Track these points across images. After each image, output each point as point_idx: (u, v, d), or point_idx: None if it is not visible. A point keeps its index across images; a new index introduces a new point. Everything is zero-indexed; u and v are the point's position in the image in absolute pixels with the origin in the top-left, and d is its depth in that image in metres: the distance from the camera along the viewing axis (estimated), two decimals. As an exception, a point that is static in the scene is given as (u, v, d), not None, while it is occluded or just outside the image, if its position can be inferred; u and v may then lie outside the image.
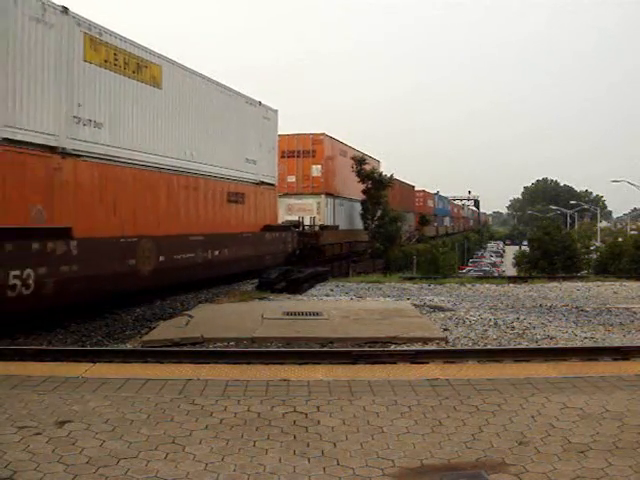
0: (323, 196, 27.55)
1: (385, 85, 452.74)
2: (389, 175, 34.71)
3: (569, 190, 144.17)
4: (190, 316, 11.21)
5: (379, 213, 33.27)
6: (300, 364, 7.15)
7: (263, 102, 18.86)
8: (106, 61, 11.64)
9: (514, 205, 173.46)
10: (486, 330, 10.36)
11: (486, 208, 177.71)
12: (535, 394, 5.74)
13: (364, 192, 32.02)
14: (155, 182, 13.19)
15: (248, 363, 7.24)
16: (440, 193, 77.52)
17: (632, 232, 54.68)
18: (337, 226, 29.00)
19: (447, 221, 78.71)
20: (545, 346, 9.12)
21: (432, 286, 18.58)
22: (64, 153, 10.58)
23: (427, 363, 7.36)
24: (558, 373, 6.56)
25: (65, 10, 10.65)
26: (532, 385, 6.03)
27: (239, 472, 4.05)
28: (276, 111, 19.88)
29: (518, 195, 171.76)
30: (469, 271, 49.99)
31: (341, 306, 12.88)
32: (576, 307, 13.55)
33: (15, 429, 4.73)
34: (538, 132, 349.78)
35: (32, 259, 9.55)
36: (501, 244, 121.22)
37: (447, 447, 4.50)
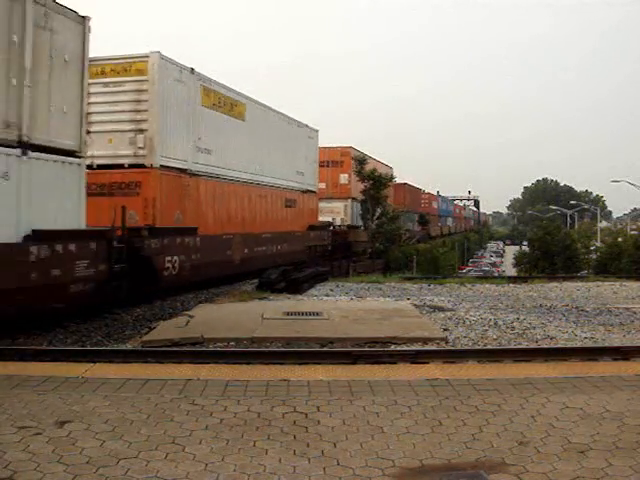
0: (349, 200, 31.92)
1: (385, 86, 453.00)
2: (398, 180, 36.38)
3: (569, 190, 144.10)
4: (190, 316, 11.21)
5: (378, 213, 33.28)
6: (300, 364, 7.15)
7: (309, 125, 23.67)
8: (213, 104, 16.07)
9: (514, 205, 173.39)
10: (486, 330, 10.36)
11: (486, 208, 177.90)
12: (535, 394, 5.74)
13: (364, 192, 32.03)
14: (241, 192, 17.58)
15: (248, 363, 7.24)
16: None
17: (632, 232, 54.66)
18: (360, 225, 33.39)
19: (450, 221, 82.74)
20: (545, 346, 9.11)
21: (432, 286, 18.59)
22: (191, 174, 14.90)
23: (427, 363, 7.36)
24: (558, 373, 6.56)
25: (192, 70, 14.96)
26: (532, 385, 6.03)
27: (239, 472, 4.05)
28: (317, 131, 24.49)
29: (518, 195, 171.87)
30: (469, 271, 49.98)
31: (341, 306, 12.88)
32: (576, 307, 13.55)
33: (15, 429, 4.73)
34: (538, 132, 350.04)
35: (177, 249, 13.76)
36: (501, 244, 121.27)
37: (447, 447, 4.50)
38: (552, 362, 7.34)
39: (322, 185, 29.72)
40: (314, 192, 24.45)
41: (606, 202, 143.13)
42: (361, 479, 4.00)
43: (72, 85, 10.13)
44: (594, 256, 45.75)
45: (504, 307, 13.54)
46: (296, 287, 16.38)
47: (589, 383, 6.10)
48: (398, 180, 38.51)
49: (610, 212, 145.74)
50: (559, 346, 9.03)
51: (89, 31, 10.46)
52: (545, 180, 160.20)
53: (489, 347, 8.96)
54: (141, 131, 13.32)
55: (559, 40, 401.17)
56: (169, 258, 13.38)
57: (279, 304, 13.07)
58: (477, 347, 9.04)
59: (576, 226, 73.29)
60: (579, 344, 9.30)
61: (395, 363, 7.38)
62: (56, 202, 9.76)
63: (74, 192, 10.26)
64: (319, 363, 7.27)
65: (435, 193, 70.68)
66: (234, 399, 5.55)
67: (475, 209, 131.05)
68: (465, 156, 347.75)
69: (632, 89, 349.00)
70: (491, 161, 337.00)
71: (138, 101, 13.39)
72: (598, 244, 51.30)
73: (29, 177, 9.11)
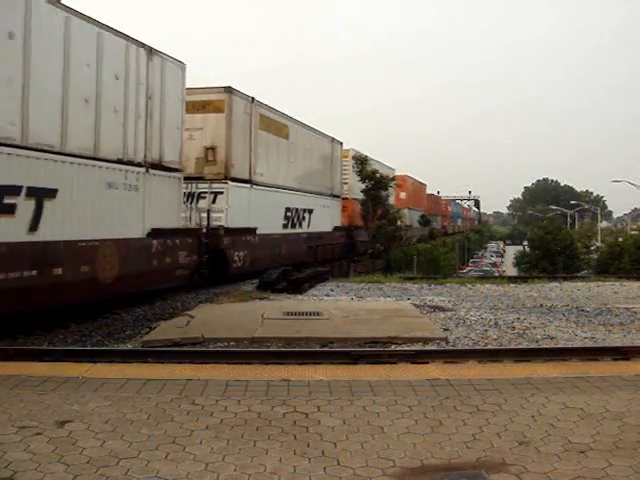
0: (406, 209, 44.92)
1: (385, 87, 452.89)
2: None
3: (569, 190, 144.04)
4: (190, 316, 11.22)
5: (379, 213, 33.27)
6: (300, 364, 7.15)
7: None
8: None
9: (514, 205, 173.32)
10: (486, 330, 10.36)
11: (486, 208, 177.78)
12: (535, 394, 5.73)
13: (364, 192, 32.04)
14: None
15: (248, 363, 7.24)
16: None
17: (632, 232, 54.60)
18: (410, 225, 42.97)
19: (459, 221, 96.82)
20: (545, 346, 9.12)
21: (432, 286, 18.59)
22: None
23: (427, 363, 7.36)
24: (558, 373, 6.56)
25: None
26: (532, 385, 6.03)
27: (239, 472, 4.05)
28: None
29: (518, 195, 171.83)
30: (469, 271, 49.96)
31: (341, 306, 12.88)
32: (576, 307, 13.55)
33: (15, 429, 4.72)
34: (539, 132, 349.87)
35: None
36: (501, 244, 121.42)
37: (447, 447, 4.50)
38: (552, 362, 7.34)
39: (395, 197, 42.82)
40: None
41: (606, 202, 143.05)
42: (361, 479, 4.00)
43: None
44: (594, 256, 45.73)
45: (504, 307, 13.54)
46: (296, 287, 16.38)
47: (589, 383, 6.10)
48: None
49: (610, 212, 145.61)
50: (559, 346, 9.03)
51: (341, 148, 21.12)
52: (545, 180, 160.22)
53: (489, 347, 8.96)
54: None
55: (559, 39, 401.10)
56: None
57: (279, 304, 13.07)
58: (477, 347, 9.04)
59: (576, 226, 73.26)
60: (579, 344, 9.30)
61: (395, 363, 7.38)
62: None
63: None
64: (319, 363, 7.27)
65: (435, 193, 76.39)
66: (234, 399, 5.55)
67: (476, 209, 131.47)
68: (465, 156, 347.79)
69: (632, 89, 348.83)
70: (491, 161, 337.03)
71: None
72: (598, 244, 51.28)
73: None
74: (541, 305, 13.99)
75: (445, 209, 77.92)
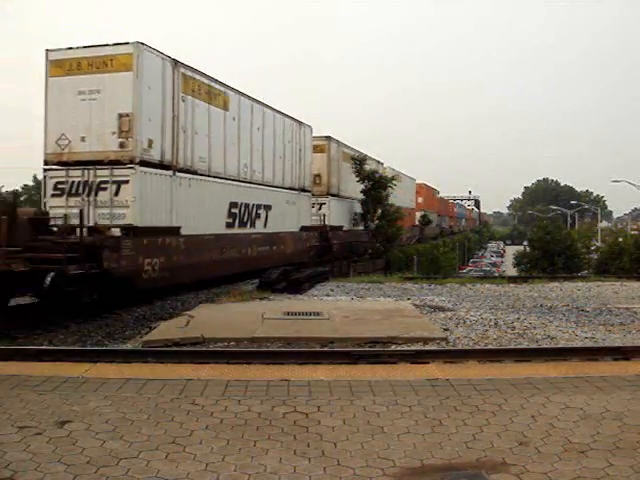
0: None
1: (385, 86, 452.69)
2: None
3: (570, 190, 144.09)
4: (191, 316, 11.22)
5: (379, 213, 33.26)
6: (300, 364, 7.15)
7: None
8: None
9: (514, 205, 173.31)
10: (486, 330, 10.36)
11: (486, 208, 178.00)
12: (535, 394, 5.73)
13: (364, 192, 32.03)
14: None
15: (248, 363, 7.24)
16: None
17: (633, 232, 54.58)
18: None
19: (463, 222, 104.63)
20: (545, 346, 9.11)
21: (432, 286, 18.58)
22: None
23: (427, 363, 7.35)
24: (558, 373, 6.56)
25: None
26: (532, 385, 6.03)
27: (239, 472, 4.05)
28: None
29: (518, 195, 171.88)
30: (469, 271, 50.01)
31: (341, 306, 12.87)
32: (576, 307, 13.55)
33: (16, 429, 4.73)
34: (539, 132, 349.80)
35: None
36: (501, 244, 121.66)
37: (448, 447, 4.50)
38: (552, 362, 7.33)
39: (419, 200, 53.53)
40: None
41: (606, 202, 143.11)
42: (362, 479, 4.00)
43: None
44: (595, 256, 45.72)
45: (504, 307, 13.54)
46: (296, 287, 16.37)
47: (589, 383, 6.10)
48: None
49: (610, 212, 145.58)
50: (559, 346, 9.03)
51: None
52: (545, 180, 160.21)
53: (489, 347, 8.96)
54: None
55: (560, 39, 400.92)
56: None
57: (279, 304, 13.07)
58: (477, 347, 9.04)
59: (576, 226, 73.26)
60: (579, 344, 9.30)
61: (395, 363, 7.38)
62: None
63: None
64: (319, 363, 7.27)
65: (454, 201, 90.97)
66: (234, 399, 5.55)
67: (476, 209, 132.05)
68: (465, 156, 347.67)
69: (633, 90, 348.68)
70: (491, 161, 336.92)
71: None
72: (599, 244, 51.25)
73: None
74: (541, 305, 13.99)
75: (452, 210, 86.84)
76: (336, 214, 27.64)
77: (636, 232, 52.13)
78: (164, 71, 13.79)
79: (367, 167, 31.53)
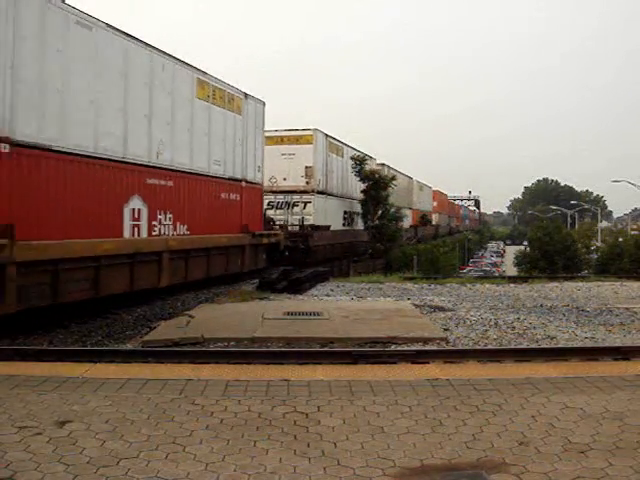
0: (436, 214, 60.89)
1: (385, 81, 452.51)
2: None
3: (570, 190, 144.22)
4: (191, 316, 11.22)
5: (380, 213, 33.28)
6: (300, 364, 7.16)
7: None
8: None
9: (514, 205, 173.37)
10: (486, 330, 10.36)
11: (486, 208, 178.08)
12: (535, 394, 5.73)
13: (364, 192, 32.06)
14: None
15: (248, 363, 7.24)
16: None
17: (633, 232, 54.59)
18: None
19: (467, 222, 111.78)
20: (545, 346, 9.11)
21: (432, 286, 18.58)
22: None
23: (427, 363, 7.35)
24: (559, 373, 6.56)
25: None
26: (532, 385, 6.03)
27: (239, 472, 4.05)
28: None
29: (519, 195, 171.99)
30: (469, 271, 50.02)
31: (342, 306, 12.87)
32: (576, 307, 13.54)
33: (15, 429, 4.72)
34: (539, 132, 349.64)
35: None
36: (501, 244, 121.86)
37: (448, 447, 4.50)
38: (552, 362, 7.34)
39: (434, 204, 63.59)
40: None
41: (606, 202, 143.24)
42: (362, 479, 4.00)
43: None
44: (595, 256, 45.74)
45: (504, 307, 13.53)
46: (297, 287, 16.37)
47: (589, 383, 6.10)
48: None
49: (611, 212, 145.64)
50: (559, 346, 9.03)
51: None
52: (545, 180, 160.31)
53: (489, 347, 8.96)
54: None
55: (561, 37, 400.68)
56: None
57: (280, 304, 13.07)
58: (477, 347, 9.04)
59: (576, 226, 73.24)
60: (579, 344, 9.30)
61: (395, 363, 7.38)
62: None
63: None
64: (319, 363, 7.27)
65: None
66: (234, 399, 5.55)
67: (476, 209, 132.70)
68: (465, 156, 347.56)
69: (633, 90, 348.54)
70: (491, 161, 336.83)
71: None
72: (599, 244, 51.26)
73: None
74: (541, 305, 13.98)
75: (458, 212, 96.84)
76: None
77: (636, 232, 52.12)
78: (324, 142, 26.62)
79: (367, 167, 31.59)
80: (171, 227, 13.53)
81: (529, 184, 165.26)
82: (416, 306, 13.01)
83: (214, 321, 10.80)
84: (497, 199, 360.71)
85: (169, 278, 13.32)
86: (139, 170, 12.37)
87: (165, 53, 13.40)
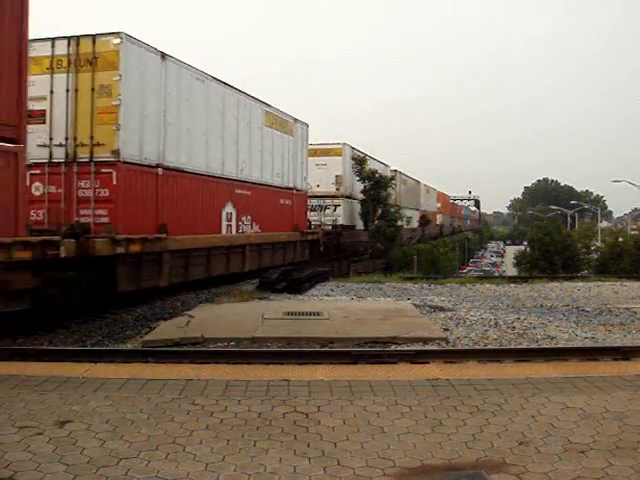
0: (440, 215, 62.27)
1: (386, 89, 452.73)
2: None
3: (569, 190, 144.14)
4: (191, 316, 11.22)
5: (380, 213, 33.29)
6: (300, 364, 7.15)
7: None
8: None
9: (514, 205, 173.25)
10: (486, 330, 10.36)
11: (486, 208, 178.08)
12: (536, 394, 5.73)
13: (364, 192, 32.07)
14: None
15: (249, 363, 7.24)
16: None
17: (633, 232, 54.58)
18: (443, 224, 63.41)
19: (468, 222, 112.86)
20: (546, 346, 9.12)
21: (432, 286, 18.58)
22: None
23: (427, 363, 7.36)
24: (559, 373, 6.56)
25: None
26: (532, 385, 6.03)
27: (239, 472, 4.05)
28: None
29: (518, 195, 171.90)
30: (469, 271, 49.97)
31: (342, 306, 12.88)
32: (576, 307, 13.55)
33: (16, 429, 4.72)
34: (539, 132, 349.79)
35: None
36: (501, 244, 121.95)
37: (448, 447, 4.49)
38: (552, 362, 7.34)
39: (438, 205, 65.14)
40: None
41: (606, 202, 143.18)
42: (362, 479, 4.00)
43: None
44: (595, 256, 45.72)
45: (504, 307, 13.53)
46: (297, 287, 16.37)
47: (589, 383, 6.10)
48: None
49: (610, 212, 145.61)
50: (559, 346, 9.03)
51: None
52: (545, 180, 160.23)
53: (490, 347, 8.96)
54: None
55: (560, 40, 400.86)
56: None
57: (280, 304, 13.07)
58: (477, 347, 9.04)
59: (576, 226, 73.23)
60: (579, 344, 9.30)
61: (396, 363, 7.38)
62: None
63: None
64: (319, 363, 7.27)
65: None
66: (235, 399, 5.55)
67: (476, 209, 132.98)
68: (465, 156, 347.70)
69: (633, 88, 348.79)
70: (491, 161, 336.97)
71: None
72: (599, 244, 51.23)
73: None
74: (541, 305, 13.99)
75: (460, 212, 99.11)
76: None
77: (636, 232, 52.10)
78: (350, 152, 30.91)
79: (367, 167, 31.64)
80: (249, 226, 17.73)
81: (529, 184, 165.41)
82: (416, 306, 13.01)
83: (214, 321, 10.80)
84: (497, 199, 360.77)
85: (249, 265, 17.68)
86: (231, 183, 16.55)
87: (245, 93, 17.46)
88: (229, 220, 16.41)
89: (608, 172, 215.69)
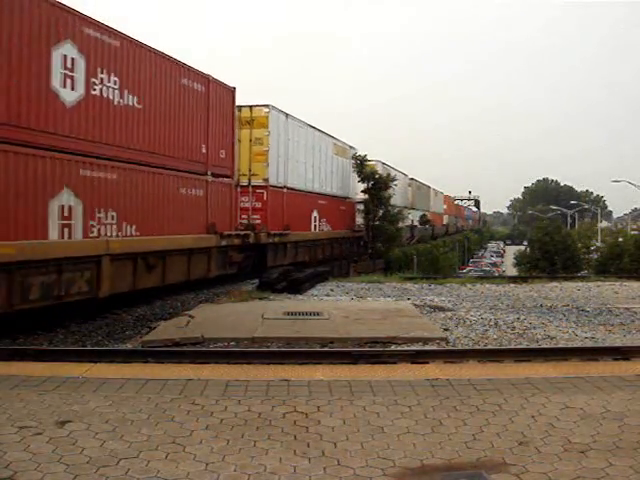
0: (446, 216, 67.01)
1: (385, 87, 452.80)
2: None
3: (570, 190, 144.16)
4: (191, 316, 11.21)
5: (380, 213, 33.28)
6: (300, 364, 7.16)
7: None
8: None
9: (514, 205, 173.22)
10: (486, 330, 10.36)
11: (486, 208, 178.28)
12: (535, 394, 5.73)
13: (365, 192, 32.08)
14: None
15: (248, 363, 7.24)
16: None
17: (633, 232, 54.60)
18: (448, 224, 69.50)
19: (470, 222, 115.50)
20: (545, 346, 9.11)
21: (432, 286, 18.58)
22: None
23: (427, 363, 7.36)
24: (558, 373, 6.56)
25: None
26: (532, 385, 6.03)
27: (239, 472, 4.05)
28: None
29: (518, 195, 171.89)
30: (469, 271, 50.02)
31: (341, 306, 12.88)
32: (576, 307, 13.54)
33: (15, 429, 4.73)
34: (539, 132, 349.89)
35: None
36: (501, 244, 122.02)
37: (447, 447, 4.50)
38: (552, 362, 7.34)
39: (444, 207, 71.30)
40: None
41: (607, 202, 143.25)
42: (362, 479, 4.00)
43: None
44: (595, 256, 45.75)
45: (504, 307, 13.53)
46: (297, 287, 16.36)
47: (589, 383, 6.10)
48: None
49: (610, 212, 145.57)
50: (559, 346, 9.03)
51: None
52: (545, 180, 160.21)
53: (489, 347, 8.96)
54: None
55: (560, 40, 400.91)
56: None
57: (279, 304, 13.07)
58: (477, 347, 9.04)
59: (576, 226, 73.26)
60: (579, 344, 9.30)
61: (395, 363, 7.38)
62: None
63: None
64: (319, 363, 7.27)
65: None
66: (235, 399, 5.55)
67: (476, 209, 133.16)
68: (466, 156, 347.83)
69: (633, 90, 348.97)
70: (491, 161, 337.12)
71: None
72: (599, 244, 51.25)
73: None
74: (541, 305, 13.98)
75: (462, 213, 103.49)
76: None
77: (636, 232, 52.11)
78: (383, 169, 34.13)
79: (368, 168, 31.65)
80: (326, 226, 25.16)
81: (529, 184, 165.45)
82: (416, 306, 13.01)
83: (214, 321, 10.80)
84: (497, 199, 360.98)
85: (323, 256, 24.84)
86: (316, 196, 23.95)
87: (322, 131, 24.67)
88: (315, 221, 23.85)
89: (608, 172, 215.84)
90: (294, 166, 21.21)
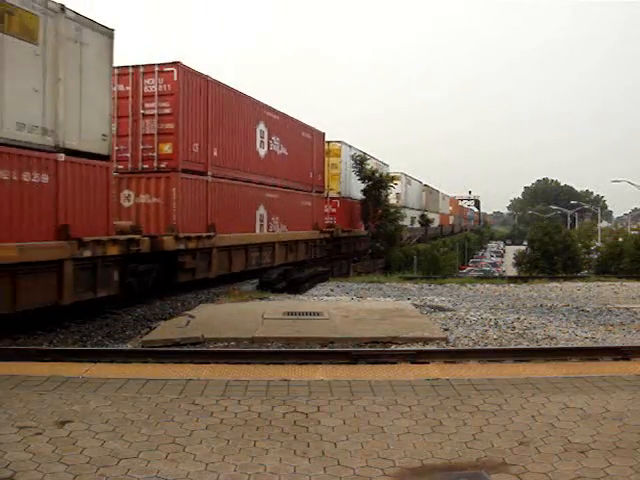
0: (452, 216, 71.52)
1: (388, 90, 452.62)
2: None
3: (570, 190, 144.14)
4: (191, 316, 11.21)
5: (380, 212, 33.27)
6: (300, 364, 7.15)
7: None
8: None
9: (514, 205, 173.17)
10: (486, 330, 10.36)
11: (486, 208, 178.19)
12: (536, 394, 5.73)
13: (364, 192, 32.07)
14: None
15: (248, 363, 7.24)
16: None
17: (633, 232, 54.56)
18: (454, 224, 75.65)
19: (472, 222, 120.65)
20: (546, 346, 9.12)
21: (432, 286, 18.59)
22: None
23: (427, 363, 7.35)
24: (559, 373, 6.56)
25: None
26: (533, 385, 6.03)
27: (239, 472, 4.05)
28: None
29: (518, 195, 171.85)
30: (469, 271, 50.04)
31: (342, 306, 12.88)
32: (576, 307, 13.55)
33: (16, 429, 4.72)
34: (539, 132, 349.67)
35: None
36: (501, 244, 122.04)
37: (448, 447, 4.49)
38: (552, 362, 7.33)
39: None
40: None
41: (606, 202, 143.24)
42: (362, 479, 4.00)
43: None
44: (595, 256, 45.73)
45: (504, 307, 13.54)
46: (297, 287, 16.38)
47: (589, 383, 6.10)
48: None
49: (610, 212, 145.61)
50: (559, 346, 9.03)
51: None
52: (545, 180, 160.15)
53: (490, 347, 8.96)
54: None
55: (562, 46, 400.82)
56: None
57: (279, 304, 13.07)
58: (478, 347, 9.04)
59: (576, 226, 73.24)
60: (579, 344, 9.30)
61: (395, 363, 7.38)
62: None
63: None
64: (319, 363, 7.27)
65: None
66: (235, 399, 5.55)
67: (476, 209, 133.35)
68: (466, 156, 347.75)
69: (634, 91, 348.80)
70: (491, 161, 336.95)
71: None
72: (598, 244, 51.23)
73: None
74: (541, 305, 13.99)
75: (465, 213, 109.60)
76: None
77: (636, 232, 52.09)
78: (405, 180, 44.80)
79: (367, 167, 31.67)
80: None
81: (529, 184, 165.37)
82: (416, 306, 13.02)
83: (214, 321, 10.80)
84: (497, 199, 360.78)
85: (346, 249, 29.56)
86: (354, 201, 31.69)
87: (373, 157, 33.15)
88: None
89: (608, 172, 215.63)
90: (349, 182, 30.24)
